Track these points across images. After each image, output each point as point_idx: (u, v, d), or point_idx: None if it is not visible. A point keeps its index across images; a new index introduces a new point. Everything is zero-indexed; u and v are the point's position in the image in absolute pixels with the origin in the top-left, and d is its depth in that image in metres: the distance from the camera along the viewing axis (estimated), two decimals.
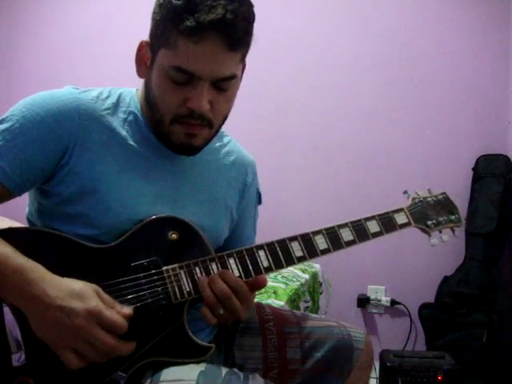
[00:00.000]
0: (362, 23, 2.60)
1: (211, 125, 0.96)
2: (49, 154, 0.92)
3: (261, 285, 0.98)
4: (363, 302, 2.61)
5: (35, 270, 0.83)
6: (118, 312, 0.84)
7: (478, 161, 2.48)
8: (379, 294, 2.61)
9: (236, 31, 0.88)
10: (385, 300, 2.60)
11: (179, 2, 0.86)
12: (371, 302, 2.61)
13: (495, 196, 2.37)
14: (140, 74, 0.99)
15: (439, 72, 2.53)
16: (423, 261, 2.52)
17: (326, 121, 2.64)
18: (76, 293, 0.82)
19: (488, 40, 2.48)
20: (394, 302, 2.59)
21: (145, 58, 0.97)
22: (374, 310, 2.63)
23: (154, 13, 0.93)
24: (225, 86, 0.93)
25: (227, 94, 0.95)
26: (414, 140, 2.56)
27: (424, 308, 2.43)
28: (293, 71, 2.66)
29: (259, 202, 1.22)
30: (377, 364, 2.03)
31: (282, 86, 2.67)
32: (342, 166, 2.63)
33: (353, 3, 2.61)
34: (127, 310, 0.86)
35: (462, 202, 2.41)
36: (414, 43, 2.55)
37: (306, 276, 2.03)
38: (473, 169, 2.49)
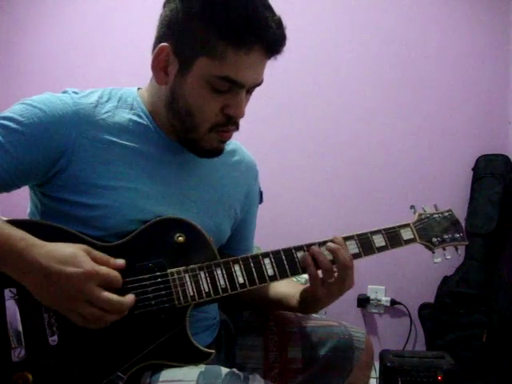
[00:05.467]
0: (362, 23, 2.59)
1: (238, 127, 1.00)
2: (42, 154, 0.91)
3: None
4: (363, 301, 2.60)
5: (24, 238, 0.83)
6: (113, 265, 0.87)
7: (477, 161, 2.47)
8: (379, 293, 2.60)
9: (282, 41, 0.94)
10: (385, 300, 2.59)
11: (227, 13, 0.87)
12: (371, 301, 2.60)
13: (495, 196, 2.37)
14: (159, 80, 0.96)
15: (439, 72, 2.52)
16: (423, 261, 2.50)
17: (325, 121, 2.63)
18: (68, 258, 0.82)
19: (488, 40, 2.48)
20: (393, 302, 2.58)
21: (162, 63, 0.95)
22: (373, 310, 2.62)
23: (186, 21, 0.91)
24: (253, 90, 0.98)
25: (250, 96, 1.00)
26: (413, 140, 2.55)
27: (424, 308, 2.43)
28: (293, 72, 2.65)
29: (260, 200, 1.22)
30: (377, 364, 2.03)
31: (283, 87, 2.66)
32: (342, 166, 2.62)
33: (353, 3, 2.61)
34: (120, 261, 0.88)
35: (462, 202, 2.42)
36: (414, 43, 2.54)
37: (306, 276, 2.02)
38: (473, 169, 2.49)
